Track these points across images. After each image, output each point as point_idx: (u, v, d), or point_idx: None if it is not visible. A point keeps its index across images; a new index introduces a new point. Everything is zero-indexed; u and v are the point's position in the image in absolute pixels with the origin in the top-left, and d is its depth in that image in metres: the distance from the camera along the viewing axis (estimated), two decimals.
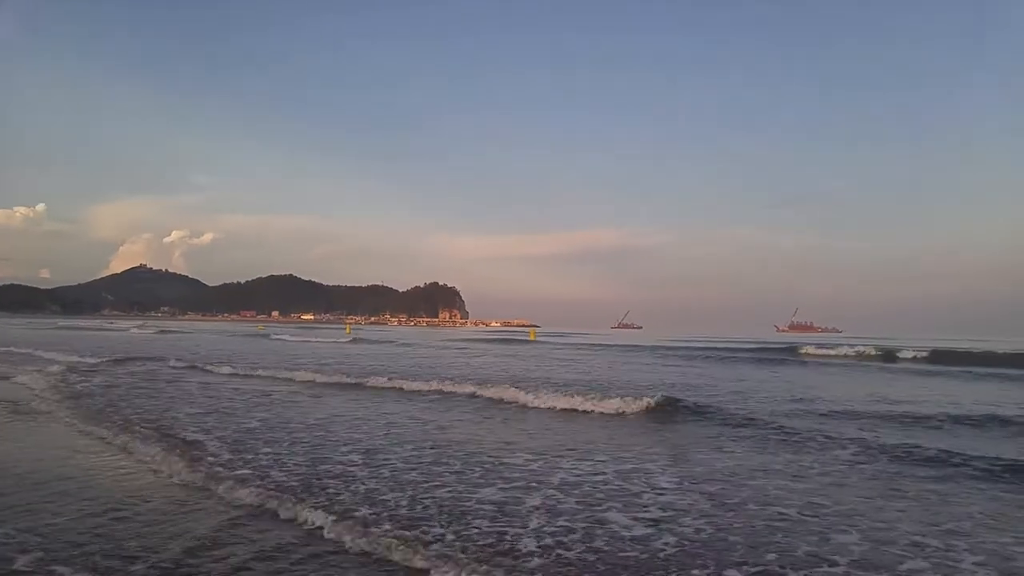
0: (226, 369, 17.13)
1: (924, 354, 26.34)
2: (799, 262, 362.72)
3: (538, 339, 51.61)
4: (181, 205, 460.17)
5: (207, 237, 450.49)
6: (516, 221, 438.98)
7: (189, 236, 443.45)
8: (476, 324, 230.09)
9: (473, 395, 12.48)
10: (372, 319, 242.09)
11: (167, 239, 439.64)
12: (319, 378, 15.25)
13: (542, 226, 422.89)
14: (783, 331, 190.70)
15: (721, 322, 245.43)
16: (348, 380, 14.75)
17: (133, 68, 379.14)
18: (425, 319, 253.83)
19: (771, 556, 4.03)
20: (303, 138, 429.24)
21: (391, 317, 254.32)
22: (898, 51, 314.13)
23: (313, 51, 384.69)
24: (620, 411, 10.44)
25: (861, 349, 30.51)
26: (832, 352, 30.68)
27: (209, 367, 17.74)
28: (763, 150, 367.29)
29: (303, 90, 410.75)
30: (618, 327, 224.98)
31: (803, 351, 31.93)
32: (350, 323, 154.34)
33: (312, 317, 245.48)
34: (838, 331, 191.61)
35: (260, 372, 16.56)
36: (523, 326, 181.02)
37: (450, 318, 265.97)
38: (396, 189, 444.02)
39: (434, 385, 13.67)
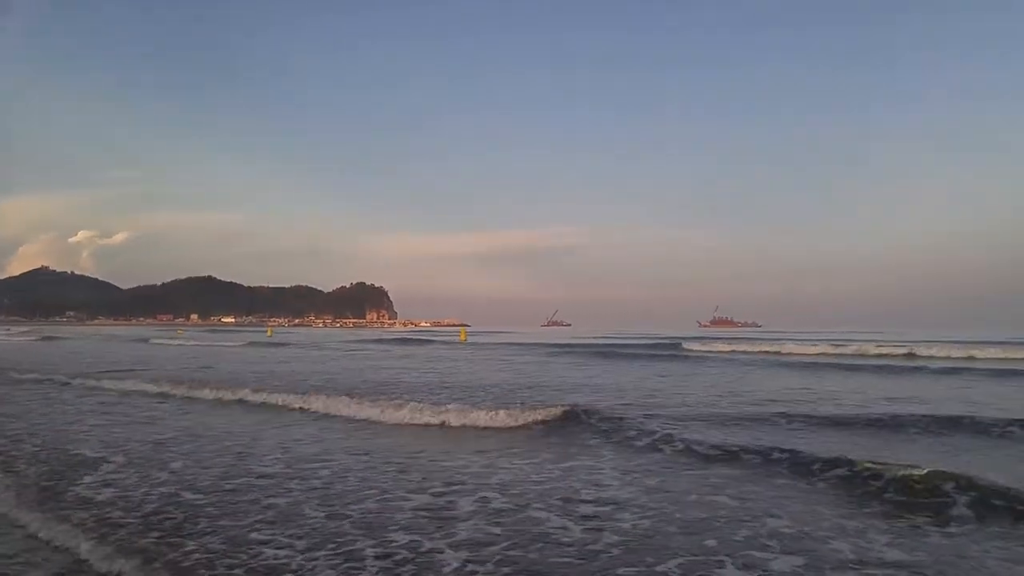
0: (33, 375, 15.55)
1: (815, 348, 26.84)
2: (722, 259, 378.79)
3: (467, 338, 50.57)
4: (89, 203, 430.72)
5: (119, 237, 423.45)
6: (448, 220, 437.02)
7: (99, 236, 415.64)
8: (405, 324, 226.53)
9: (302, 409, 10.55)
10: (296, 321, 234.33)
11: (72, 239, 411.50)
12: (135, 386, 13.62)
13: (475, 225, 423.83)
14: (705, 326, 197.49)
15: (648, 319, 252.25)
16: (164, 389, 13.16)
17: (37, 59, 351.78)
18: (352, 320, 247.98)
19: None
20: (224, 133, 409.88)
21: (316, 319, 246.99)
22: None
23: (235, 42, 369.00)
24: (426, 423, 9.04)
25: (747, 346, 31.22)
26: (708, 348, 31.39)
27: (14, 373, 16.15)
28: (695, 154, 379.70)
29: (224, 82, 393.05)
30: (548, 325, 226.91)
31: (686, 347, 32.50)
32: (272, 325, 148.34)
33: (233, 320, 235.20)
34: (757, 326, 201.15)
35: (75, 381, 14.72)
36: (454, 325, 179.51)
37: (378, 319, 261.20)
38: (322, 187, 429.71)
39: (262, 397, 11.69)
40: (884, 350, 26.39)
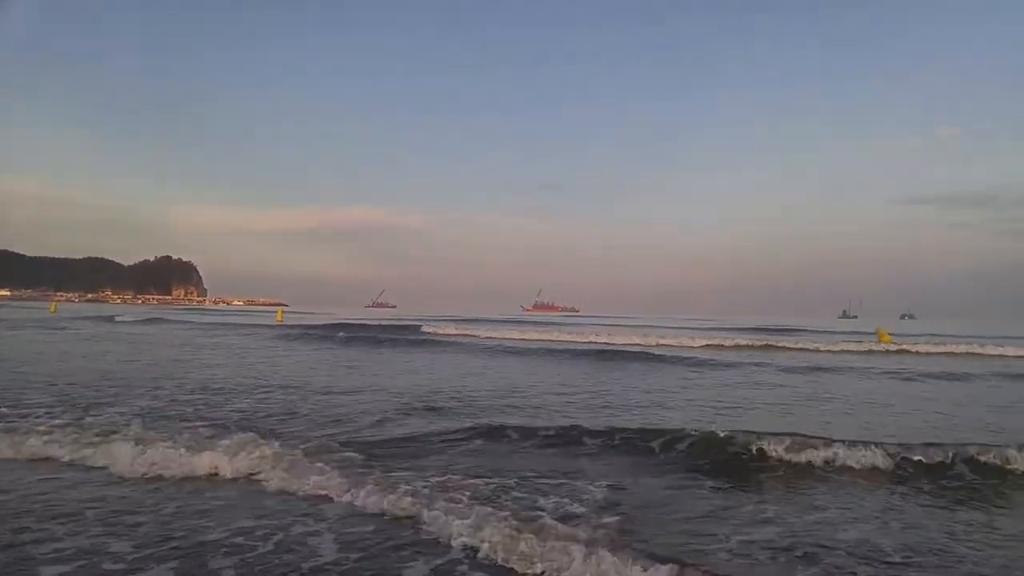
0: None
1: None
2: (547, 245, 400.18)
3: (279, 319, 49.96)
4: None
5: None
6: (267, 193, 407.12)
7: None
8: (216, 303, 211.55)
9: None
10: (89, 296, 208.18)
11: None
12: None
13: (297, 200, 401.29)
14: (528, 311, 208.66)
15: (475, 302, 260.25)
16: None
17: None
18: (156, 296, 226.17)
19: None
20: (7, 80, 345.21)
21: (113, 294, 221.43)
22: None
23: None
24: None
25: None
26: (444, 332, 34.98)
27: None
28: (521, 137, 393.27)
29: (12, 25, 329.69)
30: (372, 306, 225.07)
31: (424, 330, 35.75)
32: (58, 300, 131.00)
33: (8, 293, 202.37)
34: (576, 310, 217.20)
35: None
36: (270, 305, 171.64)
37: (186, 296, 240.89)
38: (129, 153, 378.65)
39: None
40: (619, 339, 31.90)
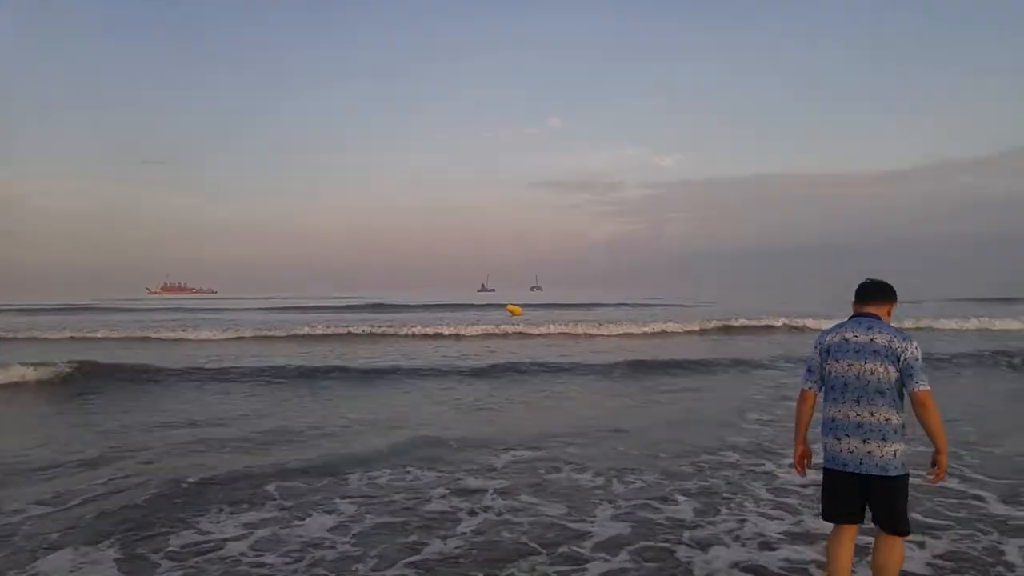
0: None
1: None
2: (175, 221, 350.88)
3: None
4: None
5: None
6: None
7: None
8: None
9: None
10: None
11: None
12: None
13: None
14: (156, 293, 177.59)
15: (94, 284, 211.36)
16: None
17: None
18: None
19: None
20: None
21: None
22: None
23: None
24: None
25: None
26: None
27: None
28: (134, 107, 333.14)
29: None
30: None
31: None
32: None
33: None
34: (213, 292, 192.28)
35: None
36: None
37: None
38: None
39: None
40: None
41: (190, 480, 5.53)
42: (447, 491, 5.32)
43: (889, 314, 3.12)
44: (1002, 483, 5.35)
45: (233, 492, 5.28)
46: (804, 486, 5.10)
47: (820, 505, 3.21)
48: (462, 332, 21.62)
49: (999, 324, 22.67)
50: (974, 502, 4.88)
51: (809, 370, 3.13)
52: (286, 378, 12.08)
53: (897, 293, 3.12)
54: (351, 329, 22.40)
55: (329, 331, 21.98)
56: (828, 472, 3.05)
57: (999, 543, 4.09)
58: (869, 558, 3.21)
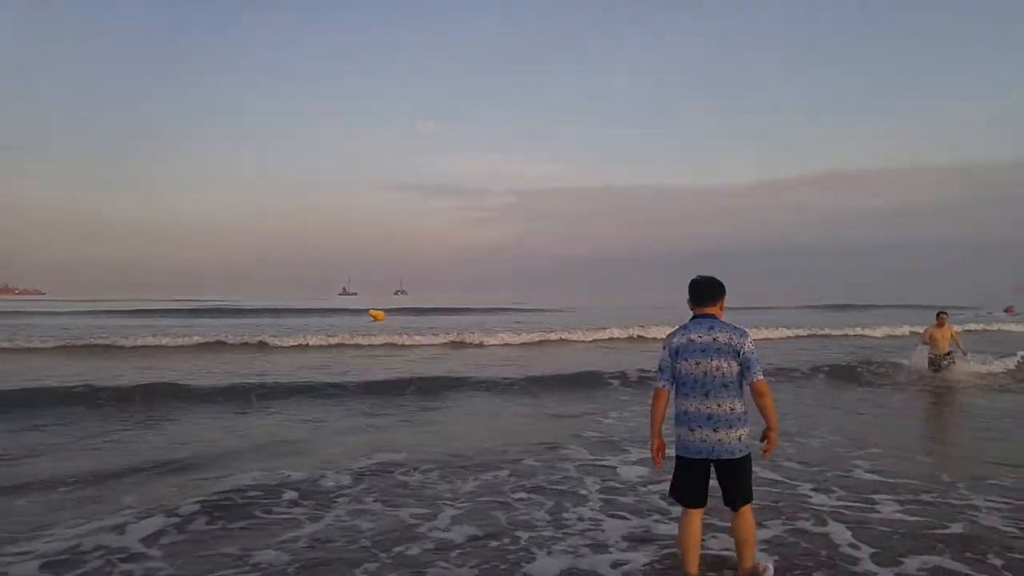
0: None
1: None
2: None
3: None
4: None
5: None
6: None
7: None
8: None
9: None
10: None
11: None
12: None
13: None
14: None
15: None
16: None
17: None
18: None
19: None
20: None
21: None
22: None
23: None
24: None
25: None
26: None
27: None
28: None
29: None
30: None
31: None
32: None
33: None
34: (41, 293, 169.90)
35: None
36: None
37: None
38: None
39: None
40: None
41: None
42: None
43: (722, 308, 3.39)
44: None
45: None
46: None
47: (669, 490, 3.48)
48: (309, 342, 19.40)
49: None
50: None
51: (661, 370, 3.38)
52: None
53: (725, 286, 3.35)
54: (166, 342, 18.81)
55: (139, 343, 18.39)
56: (681, 460, 3.32)
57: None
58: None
